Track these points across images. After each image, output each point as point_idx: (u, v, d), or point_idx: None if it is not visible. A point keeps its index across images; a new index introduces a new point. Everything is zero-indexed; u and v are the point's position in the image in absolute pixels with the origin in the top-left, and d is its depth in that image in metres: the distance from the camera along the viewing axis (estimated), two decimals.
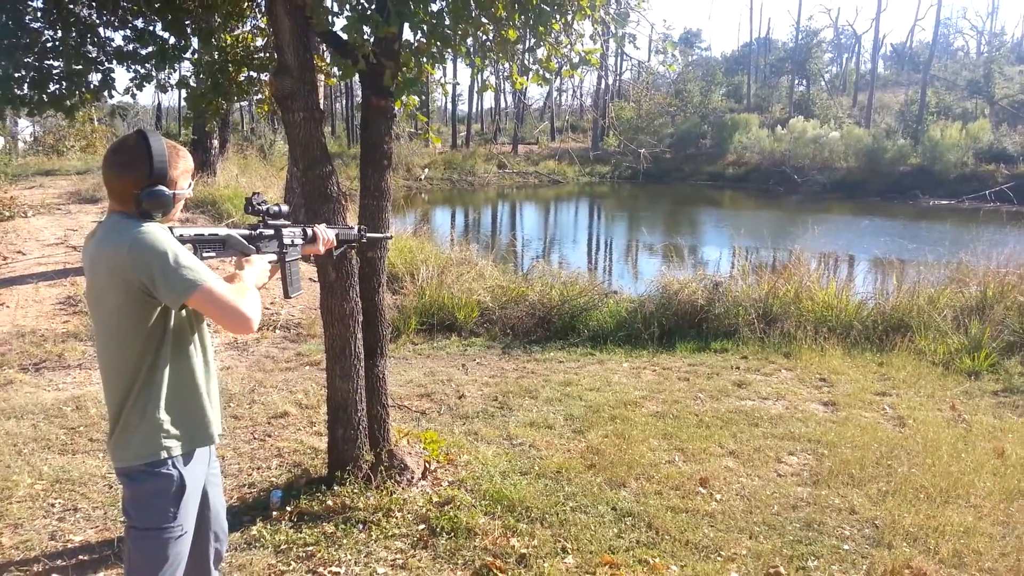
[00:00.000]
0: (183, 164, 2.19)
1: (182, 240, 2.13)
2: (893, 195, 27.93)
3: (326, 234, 2.78)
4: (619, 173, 36.41)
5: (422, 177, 31.96)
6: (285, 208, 2.56)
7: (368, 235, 3.22)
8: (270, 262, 2.48)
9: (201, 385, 2.24)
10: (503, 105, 52.77)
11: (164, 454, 2.14)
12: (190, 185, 2.24)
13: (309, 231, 2.71)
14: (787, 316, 7.62)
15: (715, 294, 7.95)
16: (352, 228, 3.15)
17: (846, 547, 3.57)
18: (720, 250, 16.74)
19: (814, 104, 41.67)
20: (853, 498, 4.06)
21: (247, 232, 2.42)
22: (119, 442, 2.15)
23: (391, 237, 3.96)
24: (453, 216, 25.94)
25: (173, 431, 2.16)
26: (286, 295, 2.66)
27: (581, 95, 54.91)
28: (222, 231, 2.33)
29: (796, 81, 47.85)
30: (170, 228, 2.13)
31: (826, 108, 41.05)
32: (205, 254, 2.24)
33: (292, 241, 2.60)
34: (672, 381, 6.25)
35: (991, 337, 6.90)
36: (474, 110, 51.09)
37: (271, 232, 2.50)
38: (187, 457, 2.20)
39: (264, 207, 2.48)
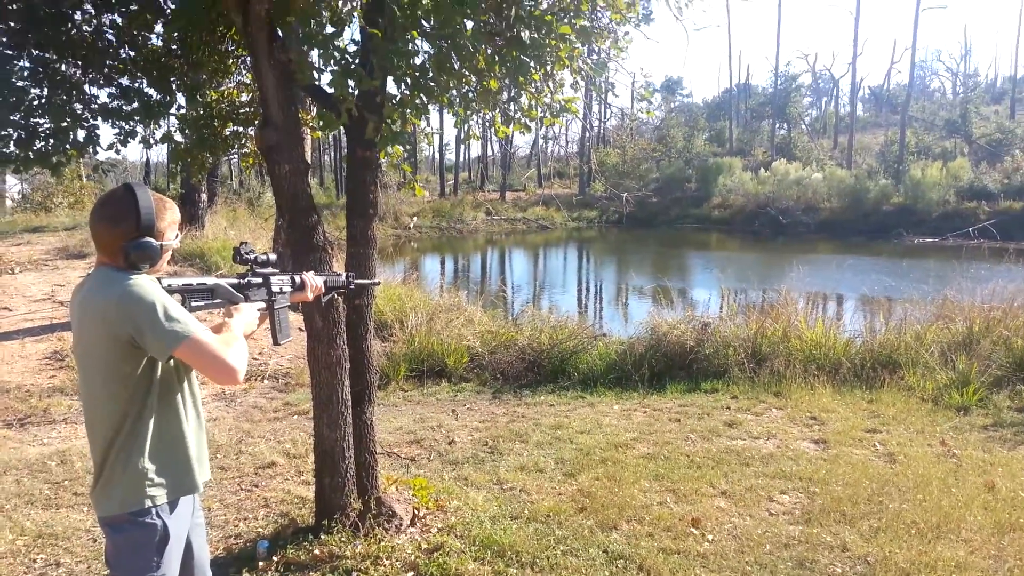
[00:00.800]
0: (170, 216, 2.23)
1: (170, 290, 2.16)
2: (877, 234, 28.22)
3: (314, 281, 2.82)
4: (606, 218, 36.71)
5: (411, 226, 32.11)
6: (273, 257, 2.59)
7: (356, 281, 3.26)
8: (259, 310, 2.51)
9: (187, 434, 2.24)
10: (490, 153, 53.48)
11: (148, 503, 2.13)
12: (177, 236, 2.27)
13: (297, 279, 2.74)
14: (776, 355, 7.63)
15: (704, 335, 7.98)
16: (340, 275, 3.19)
17: None
18: (708, 292, 16.80)
19: (795, 147, 42.28)
20: (845, 535, 4.04)
21: (235, 281, 2.46)
22: (103, 492, 2.15)
23: (379, 283, 4.00)
24: (442, 263, 26.02)
25: (158, 479, 2.16)
26: (275, 342, 2.68)
27: (567, 142, 55.71)
28: (210, 280, 2.36)
29: (777, 125, 48.66)
30: (159, 279, 2.16)
31: (807, 150, 41.67)
32: (194, 303, 2.27)
33: (281, 289, 2.63)
34: (663, 422, 6.24)
35: (979, 372, 6.93)
36: (461, 158, 51.81)
37: (259, 280, 2.54)
38: (172, 506, 2.19)
39: (252, 256, 2.52)
